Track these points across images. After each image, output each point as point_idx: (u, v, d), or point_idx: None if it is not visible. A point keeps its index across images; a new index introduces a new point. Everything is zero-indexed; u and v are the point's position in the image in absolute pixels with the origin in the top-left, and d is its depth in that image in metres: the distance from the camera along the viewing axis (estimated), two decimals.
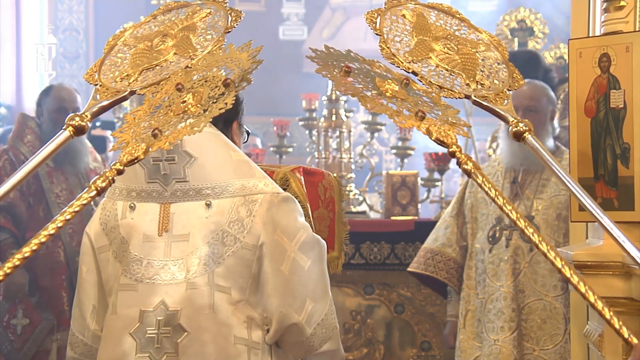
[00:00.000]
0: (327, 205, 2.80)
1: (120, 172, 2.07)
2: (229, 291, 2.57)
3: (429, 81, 2.29)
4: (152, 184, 2.63)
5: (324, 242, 2.64)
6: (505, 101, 2.30)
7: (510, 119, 2.21)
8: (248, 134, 2.88)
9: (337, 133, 6.26)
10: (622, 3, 2.73)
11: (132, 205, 2.64)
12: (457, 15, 2.54)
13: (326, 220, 2.80)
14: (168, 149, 2.11)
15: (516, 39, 7.09)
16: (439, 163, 6.13)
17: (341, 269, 2.88)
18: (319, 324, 2.60)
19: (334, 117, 6.26)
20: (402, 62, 2.33)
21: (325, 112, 6.33)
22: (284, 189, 2.69)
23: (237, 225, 2.57)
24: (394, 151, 6.65)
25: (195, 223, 2.57)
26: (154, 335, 2.55)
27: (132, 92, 2.26)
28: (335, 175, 2.95)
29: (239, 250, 2.56)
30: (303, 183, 2.78)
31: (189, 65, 2.30)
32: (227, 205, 2.58)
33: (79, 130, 2.10)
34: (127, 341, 2.58)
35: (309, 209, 2.76)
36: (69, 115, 2.12)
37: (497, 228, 4.35)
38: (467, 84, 2.33)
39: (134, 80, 2.29)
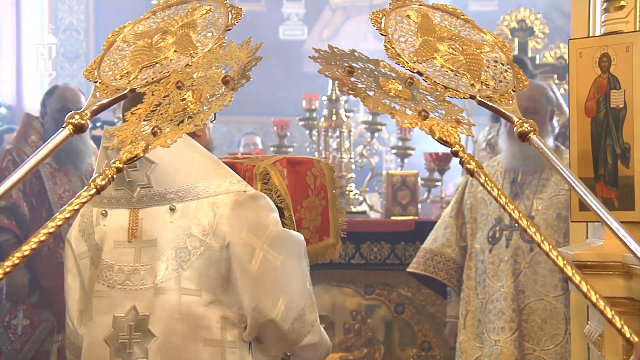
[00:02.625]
0: (317, 193, 2.76)
1: (120, 170, 2.07)
2: (199, 294, 2.57)
3: (434, 81, 2.30)
4: (120, 191, 2.64)
5: (299, 236, 2.63)
6: (510, 102, 2.30)
7: (515, 119, 2.22)
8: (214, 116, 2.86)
9: (337, 133, 6.26)
10: (622, 3, 2.73)
11: (103, 212, 2.66)
12: (462, 16, 2.55)
13: (318, 208, 2.76)
14: (168, 146, 2.11)
15: (516, 39, 7.09)
16: (439, 163, 6.13)
17: (338, 254, 2.88)
18: (296, 319, 2.60)
19: (334, 117, 6.26)
20: (407, 62, 2.33)
21: (325, 112, 6.34)
22: (265, 183, 2.68)
23: (201, 227, 2.57)
24: (394, 151, 6.66)
25: (161, 228, 2.58)
26: (125, 340, 2.58)
27: (132, 90, 2.25)
28: (325, 160, 2.99)
29: (205, 252, 2.56)
30: (285, 175, 2.74)
31: (189, 63, 2.30)
32: (191, 208, 2.59)
33: (78, 129, 2.10)
34: (103, 347, 2.60)
35: (290, 202, 2.72)
36: (69, 114, 2.11)
37: (497, 228, 4.35)
38: (472, 85, 2.34)
39: (134, 78, 2.28)
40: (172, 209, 2.58)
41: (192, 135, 2.73)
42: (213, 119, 2.85)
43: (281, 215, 2.66)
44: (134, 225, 2.61)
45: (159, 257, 2.58)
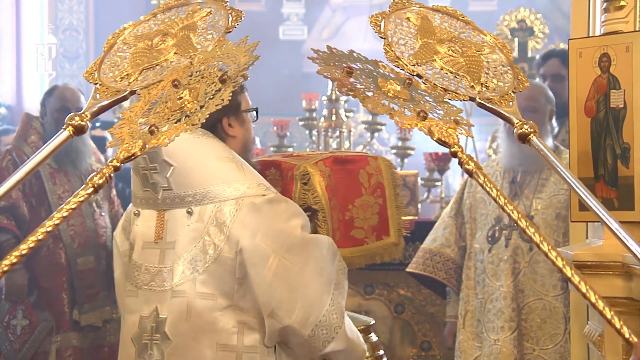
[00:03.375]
0: (373, 191, 2.67)
1: (117, 169, 2.07)
2: (214, 298, 2.57)
3: (434, 84, 2.30)
4: (146, 192, 2.66)
5: (324, 241, 2.59)
6: (510, 103, 2.30)
7: (516, 121, 2.22)
8: (256, 112, 2.85)
9: (337, 133, 6.27)
10: (622, 3, 2.73)
11: (136, 212, 2.70)
12: (462, 18, 2.54)
13: (374, 206, 2.67)
14: (165, 145, 2.11)
15: (516, 39, 7.09)
16: (439, 163, 6.13)
17: (401, 254, 2.80)
18: (317, 325, 2.56)
19: (334, 117, 6.27)
20: (407, 65, 2.33)
21: (325, 112, 6.34)
22: (304, 184, 2.65)
23: (217, 231, 2.56)
24: (394, 151, 6.66)
25: (179, 231, 2.59)
26: (147, 341, 2.60)
27: (133, 92, 2.25)
28: (383, 157, 2.84)
29: (219, 257, 2.56)
30: (329, 175, 2.67)
31: (189, 65, 2.30)
32: (207, 211, 2.58)
33: (78, 130, 2.10)
34: (130, 346, 2.63)
35: (326, 203, 2.65)
36: (69, 115, 2.11)
37: (497, 228, 4.36)
38: (472, 86, 2.33)
39: (134, 80, 2.28)
40: (189, 212, 2.58)
41: (226, 136, 2.74)
42: (255, 118, 2.84)
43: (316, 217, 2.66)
44: (160, 227, 2.62)
45: (176, 259, 2.58)
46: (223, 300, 2.56)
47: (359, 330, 2.65)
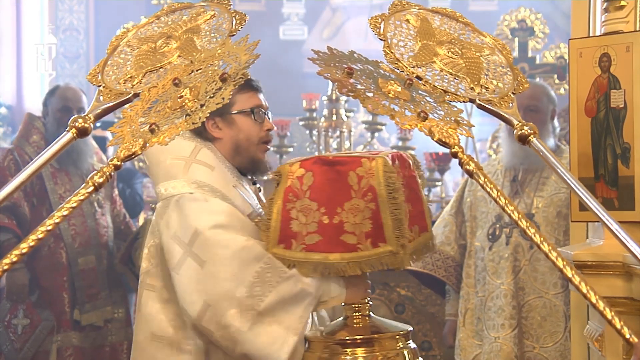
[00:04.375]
0: (363, 195, 2.49)
1: (117, 168, 2.08)
2: (159, 290, 2.72)
3: (434, 85, 2.30)
4: None
5: (236, 242, 2.58)
6: (510, 104, 2.30)
7: (515, 122, 2.22)
8: (253, 112, 2.84)
9: (338, 133, 6.26)
10: (623, 3, 2.73)
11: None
12: (461, 20, 2.54)
13: (364, 211, 2.49)
14: (165, 144, 2.12)
15: (516, 39, 7.09)
16: (439, 163, 6.13)
17: (405, 264, 2.58)
18: (221, 326, 2.56)
19: (334, 117, 6.26)
20: (406, 67, 2.33)
21: (325, 112, 6.34)
22: (277, 184, 2.62)
23: (155, 228, 2.74)
24: (394, 151, 6.64)
25: (147, 226, 2.83)
26: None
27: (136, 95, 2.26)
28: (383, 158, 2.57)
29: (158, 252, 2.71)
30: (302, 175, 2.55)
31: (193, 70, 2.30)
32: (158, 208, 2.75)
33: (82, 132, 2.10)
34: None
35: (271, 208, 2.55)
36: (72, 117, 2.12)
37: (497, 226, 4.36)
38: (472, 88, 2.34)
39: (137, 83, 2.28)
40: (153, 209, 2.75)
41: (212, 137, 2.80)
42: (254, 119, 2.84)
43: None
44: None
45: (143, 253, 2.79)
46: (166, 293, 2.70)
47: (396, 336, 2.59)
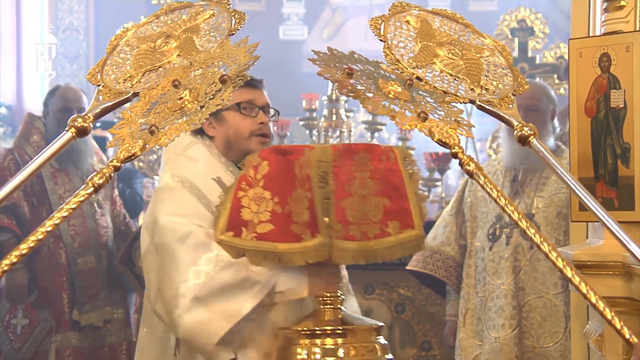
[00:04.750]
0: (302, 184, 2.50)
1: (117, 169, 2.08)
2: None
3: (434, 86, 2.30)
4: None
5: (185, 230, 2.62)
6: (510, 105, 2.31)
7: (515, 123, 2.22)
8: (239, 106, 2.87)
9: (338, 133, 6.26)
10: (622, 3, 2.73)
11: None
12: (461, 21, 2.55)
13: (304, 201, 2.49)
14: (165, 145, 2.13)
15: (516, 39, 7.09)
16: (439, 163, 6.13)
17: (341, 259, 2.55)
18: (168, 312, 2.62)
19: (334, 117, 6.27)
20: (407, 68, 2.33)
21: (325, 112, 6.34)
22: None
23: None
24: None
25: None
26: None
27: (135, 94, 2.26)
28: (322, 148, 2.55)
29: None
30: (267, 165, 2.53)
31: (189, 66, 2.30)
32: None
33: (81, 132, 2.11)
34: None
35: (226, 196, 2.55)
36: (72, 117, 2.12)
37: (497, 226, 4.36)
38: (472, 89, 2.34)
39: (136, 82, 2.29)
40: None
41: (210, 138, 2.87)
42: (245, 113, 2.86)
43: None
44: None
45: None
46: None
47: (369, 329, 2.59)
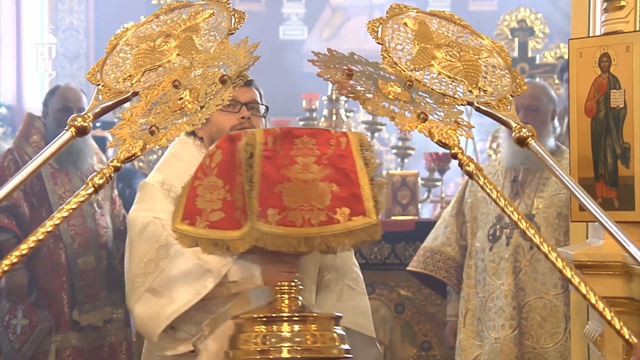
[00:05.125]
0: (239, 169, 2.47)
1: (117, 169, 2.09)
2: None
3: (432, 89, 2.30)
4: None
5: (138, 220, 2.74)
6: (508, 107, 2.31)
7: (514, 124, 2.22)
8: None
9: None
10: (622, 3, 2.73)
11: None
12: (459, 22, 2.55)
13: (239, 187, 2.48)
14: (165, 145, 2.13)
15: (516, 39, 7.09)
16: (439, 163, 6.13)
17: (260, 243, 2.46)
18: (127, 300, 2.76)
19: (334, 117, 6.26)
20: (404, 71, 2.33)
21: (325, 112, 6.33)
22: None
23: None
24: (394, 151, 6.66)
25: None
26: None
27: (135, 94, 2.26)
28: (252, 131, 2.49)
29: None
30: (212, 153, 2.51)
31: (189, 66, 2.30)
32: None
33: (81, 131, 2.11)
34: None
35: (185, 187, 2.54)
36: (71, 116, 2.12)
37: (498, 226, 4.36)
38: (470, 91, 2.34)
39: (136, 81, 2.29)
40: None
41: (200, 139, 2.92)
42: (225, 110, 2.83)
43: None
44: None
45: None
46: None
47: (322, 318, 2.56)
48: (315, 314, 2.56)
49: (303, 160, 2.42)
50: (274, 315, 2.53)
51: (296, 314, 2.53)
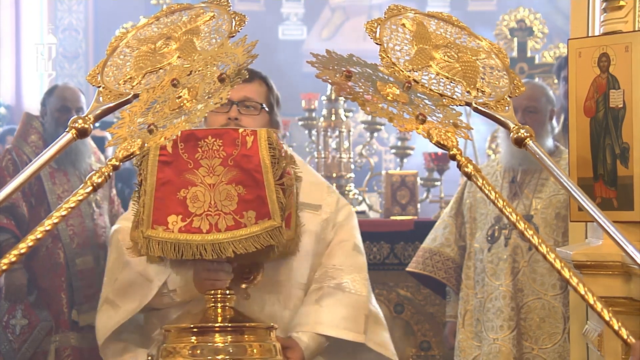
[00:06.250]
0: None
1: (116, 168, 2.08)
2: None
3: (430, 89, 2.30)
4: None
5: (112, 230, 2.80)
6: (506, 108, 2.31)
7: (512, 125, 2.22)
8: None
9: (337, 133, 6.26)
10: (622, 3, 2.72)
11: None
12: (457, 24, 2.55)
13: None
14: (163, 144, 2.12)
15: (515, 39, 7.09)
16: (438, 163, 6.14)
17: (158, 253, 2.41)
18: None
19: (333, 117, 6.26)
20: (403, 71, 2.33)
21: (324, 111, 6.33)
22: None
23: None
24: (393, 151, 6.66)
25: None
26: None
27: (136, 96, 2.26)
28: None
29: None
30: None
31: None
32: None
33: (81, 133, 2.11)
34: None
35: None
36: (72, 118, 2.13)
37: (496, 227, 4.36)
38: (468, 92, 2.34)
39: (137, 84, 2.29)
40: None
41: None
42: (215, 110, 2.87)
43: None
44: None
45: None
46: None
47: (258, 328, 2.49)
48: (250, 324, 2.47)
49: (208, 163, 2.36)
50: (204, 325, 2.43)
51: (229, 324, 2.44)
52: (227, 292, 2.51)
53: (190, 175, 2.37)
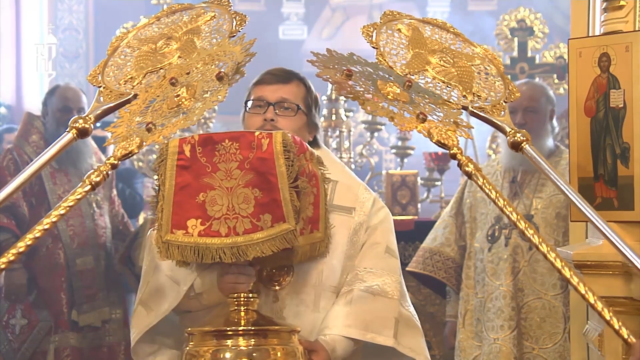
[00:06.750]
0: None
1: (114, 167, 2.08)
2: None
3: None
4: None
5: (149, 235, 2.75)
6: (502, 112, 2.31)
7: (508, 129, 2.23)
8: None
9: (337, 132, 6.26)
10: (622, 3, 2.73)
11: None
12: (452, 30, 2.56)
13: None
14: (162, 142, 2.12)
15: (516, 39, 7.08)
16: (438, 163, 6.13)
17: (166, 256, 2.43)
18: None
19: (333, 117, 6.26)
20: (399, 75, 2.33)
21: (325, 111, 6.33)
22: None
23: None
24: (393, 151, 6.65)
25: None
26: None
27: (136, 96, 2.26)
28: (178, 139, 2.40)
29: None
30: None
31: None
32: None
33: (82, 133, 2.11)
34: None
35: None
36: (73, 118, 2.13)
37: (497, 227, 4.36)
38: (464, 96, 2.35)
39: (137, 83, 2.29)
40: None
41: None
42: (251, 111, 2.82)
43: None
44: None
45: None
46: None
47: (281, 332, 2.49)
48: (273, 327, 2.47)
49: (225, 167, 2.36)
50: (227, 328, 2.44)
51: (252, 328, 2.44)
52: (250, 295, 2.51)
53: (208, 179, 2.38)
